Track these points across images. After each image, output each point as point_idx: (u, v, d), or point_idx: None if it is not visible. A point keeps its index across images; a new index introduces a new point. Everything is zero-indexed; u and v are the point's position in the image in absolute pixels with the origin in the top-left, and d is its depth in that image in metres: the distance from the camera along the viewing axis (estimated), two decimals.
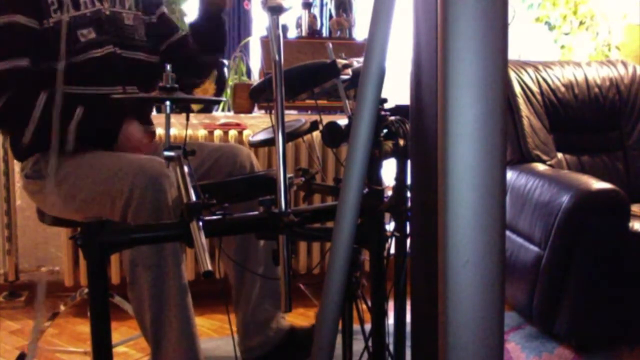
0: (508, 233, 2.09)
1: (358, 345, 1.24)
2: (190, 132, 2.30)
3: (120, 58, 1.57)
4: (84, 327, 2.09)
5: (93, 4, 1.54)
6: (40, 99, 1.41)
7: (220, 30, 1.69)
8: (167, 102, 1.05)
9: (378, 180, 1.14)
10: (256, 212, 1.08)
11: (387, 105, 1.16)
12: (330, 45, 1.20)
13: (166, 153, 1.05)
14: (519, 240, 2.04)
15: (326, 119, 1.18)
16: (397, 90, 1.69)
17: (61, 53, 1.34)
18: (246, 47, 3.22)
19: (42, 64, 1.44)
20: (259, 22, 3.77)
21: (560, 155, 2.34)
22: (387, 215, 1.16)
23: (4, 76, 1.42)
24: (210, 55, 1.74)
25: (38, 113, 1.41)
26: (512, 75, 2.34)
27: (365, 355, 1.20)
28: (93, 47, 1.51)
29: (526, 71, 2.38)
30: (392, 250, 1.21)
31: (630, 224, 1.82)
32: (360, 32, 2.71)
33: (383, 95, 0.87)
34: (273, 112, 1.02)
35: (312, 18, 2.64)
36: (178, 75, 1.07)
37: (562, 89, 2.39)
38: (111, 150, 1.50)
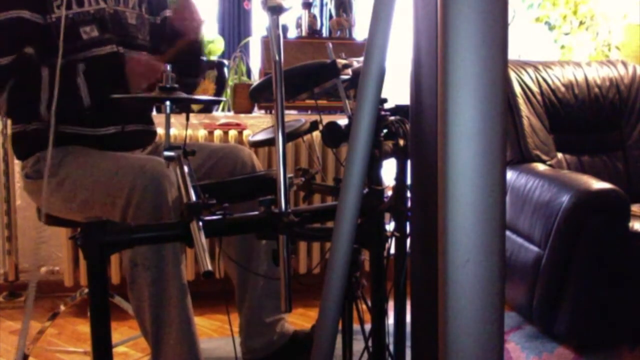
0: (508, 233, 2.09)
1: (358, 345, 1.24)
2: (190, 132, 2.30)
3: (123, 57, 1.57)
4: (84, 327, 2.09)
5: (97, 2, 1.53)
6: (44, 71, 1.40)
7: (193, 59, 1.65)
8: (167, 102, 1.05)
9: (378, 180, 1.14)
10: (256, 212, 1.08)
11: (387, 105, 1.15)
12: (330, 45, 1.20)
13: (166, 153, 1.06)
14: (519, 240, 2.04)
15: (326, 119, 1.18)
16: (397, 90, 1.69)
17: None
18: (246, 47, 3.22)
19: (45, 59, 1.44)
20: (259, 22, 3.77)
21: (560, 155, 2.34)
22: (387, 215, 1.16)
23: (10, 66, 1.41)
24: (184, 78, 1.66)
25: (46, 84, 1.39)
26: (512, 75, 2.34)
27: (365, 355, 1.19)
28: (96, 45, 1.51)
29: (526, 71, 2.38)
30: (392, 250, 1.21)
31: (630, 224, 1.82)
32: (360, 32, 2.71)
33: (383, 95, 0.87)
34: (273, 112, 1.02)
35: (312, 18, 2.64)
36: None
37: (562, 89, 2.39)
38: (112, 152, 1.50)
